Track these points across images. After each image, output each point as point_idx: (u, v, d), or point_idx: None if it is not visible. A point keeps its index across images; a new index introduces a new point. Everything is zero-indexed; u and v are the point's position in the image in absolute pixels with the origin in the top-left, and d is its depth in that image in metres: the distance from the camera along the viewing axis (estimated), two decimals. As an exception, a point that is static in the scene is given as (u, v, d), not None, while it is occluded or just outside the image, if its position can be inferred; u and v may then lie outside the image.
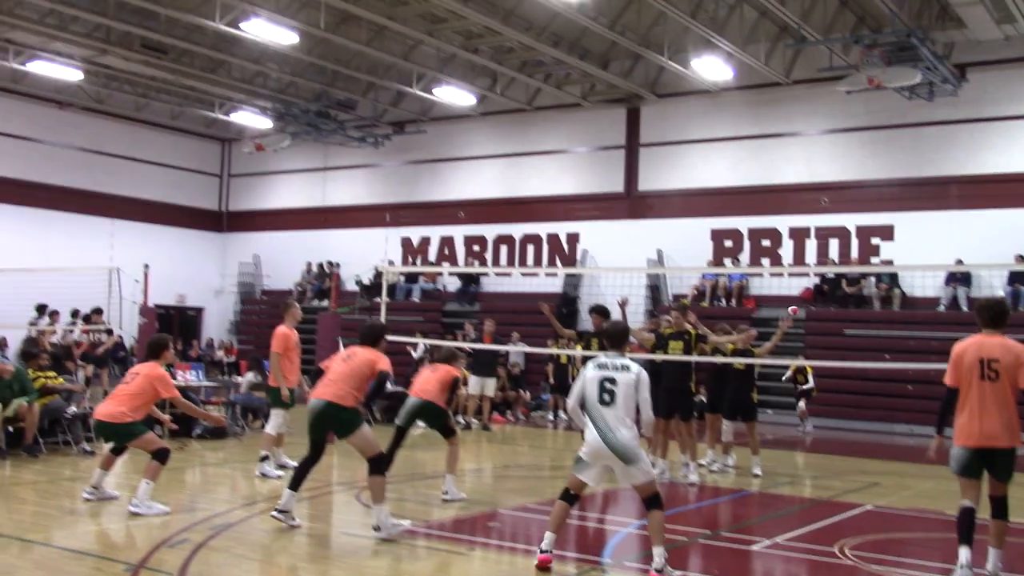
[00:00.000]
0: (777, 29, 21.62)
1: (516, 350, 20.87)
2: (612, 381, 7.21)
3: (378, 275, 24.84)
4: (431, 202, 29.10)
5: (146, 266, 18.78)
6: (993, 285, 21.07)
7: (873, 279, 22.24)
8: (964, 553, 7.06)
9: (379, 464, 8.42)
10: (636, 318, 23.61)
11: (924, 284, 21.74)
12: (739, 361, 13.00)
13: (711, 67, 21.84)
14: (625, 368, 7.27)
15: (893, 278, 22.00)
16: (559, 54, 22.54)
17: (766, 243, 24.09)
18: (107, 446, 9.97)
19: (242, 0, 19.99)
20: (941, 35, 20.65)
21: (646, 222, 25.52)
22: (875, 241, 22.76)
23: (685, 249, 24.34)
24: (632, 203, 26.10)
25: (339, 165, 30.82)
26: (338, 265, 28.16)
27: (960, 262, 19.92)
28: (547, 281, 26.23)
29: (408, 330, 21.55)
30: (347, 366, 8.52)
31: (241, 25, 20.63)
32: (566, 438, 16.99)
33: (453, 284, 27.83)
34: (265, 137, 28.85)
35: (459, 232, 28.48)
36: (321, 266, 29.85)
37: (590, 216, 26.42)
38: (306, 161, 31.31)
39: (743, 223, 24.30)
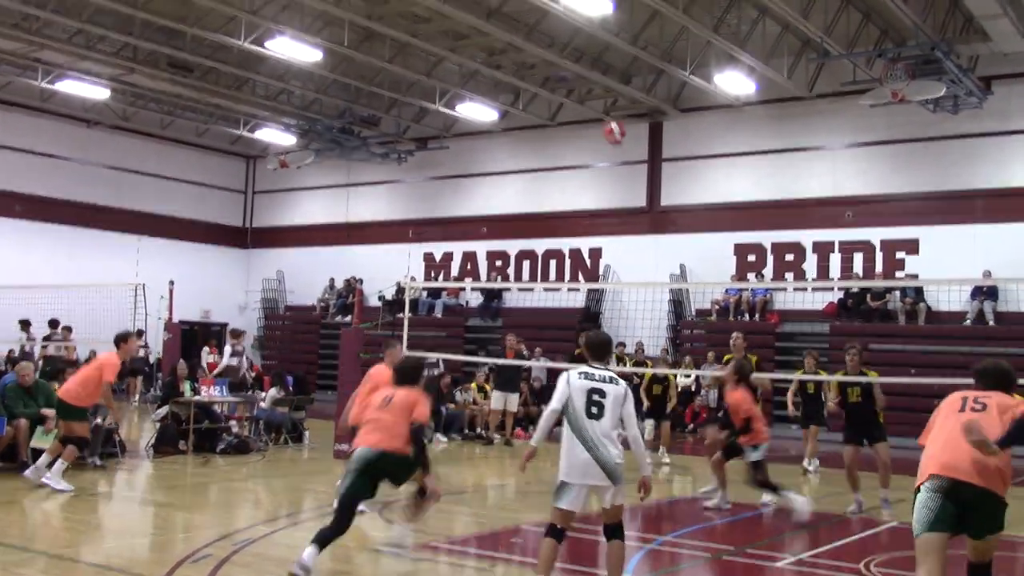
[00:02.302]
0: (800, 43, 21.56)
1: (539, 365, 20.88)
2: (600, 393, 6.64)
3: (400, 291, 24.89)
4: (453, 217, 29.17)
5: (171, 282, 18.92)
6: (1020, 299, 20.86)
7: (898, 293, 22.08)
8: None
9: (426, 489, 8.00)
10: (659, 333, 23.70)
11: (950, 298, 21.53)
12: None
13: (733, 81, 21.81)
14: (613, 380, 6.76)
15: (918, 292, 21.83)
16: (581, 70, 22.58)
17: (789, 257, 23.97)
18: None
19: (267, 19, 20.18)
20: (965, 48, 20.53)
21: (669, 237, 25.46)
22: (900, 255, 22.59)
23: (708, 264, 24.27)
24: (654, 218, 26.06)
25: (362, 181, 30.98)
26: (361, 281, 28.26)
27: (989, 274, 19.72)
28: (569, 296, 26.21)
29: (431, 346, 21.58)
30: (390, 413, 7.70)
31: (266, 43, 20.83)
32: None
33: (476, 299, 27.86)
34: (289, 154, 29.06)
35: (481, 247, 28.52)
36: (347, 282, 29.96)
37: (612, 231, 26.39)
38: (330, 177, 31.50)
39: (766, 237, 24.19)
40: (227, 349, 20.96)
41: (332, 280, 30.55)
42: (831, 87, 22.61)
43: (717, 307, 24.10)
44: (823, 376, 15.30)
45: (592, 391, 6.62)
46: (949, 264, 21.12)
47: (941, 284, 21.14)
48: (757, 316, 23.58)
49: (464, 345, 25.51)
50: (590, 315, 25.33)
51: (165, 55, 23.17)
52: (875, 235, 22.87)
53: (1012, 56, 20.62)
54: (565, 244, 27.14)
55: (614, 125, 10.87)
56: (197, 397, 15.16)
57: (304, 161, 28.70)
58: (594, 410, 6.59)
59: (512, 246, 27.99)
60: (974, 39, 20.17)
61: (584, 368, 6.81)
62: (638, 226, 26.11)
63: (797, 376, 16.13)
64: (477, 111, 25.62)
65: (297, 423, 16.88)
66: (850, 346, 11.92)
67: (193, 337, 29.60)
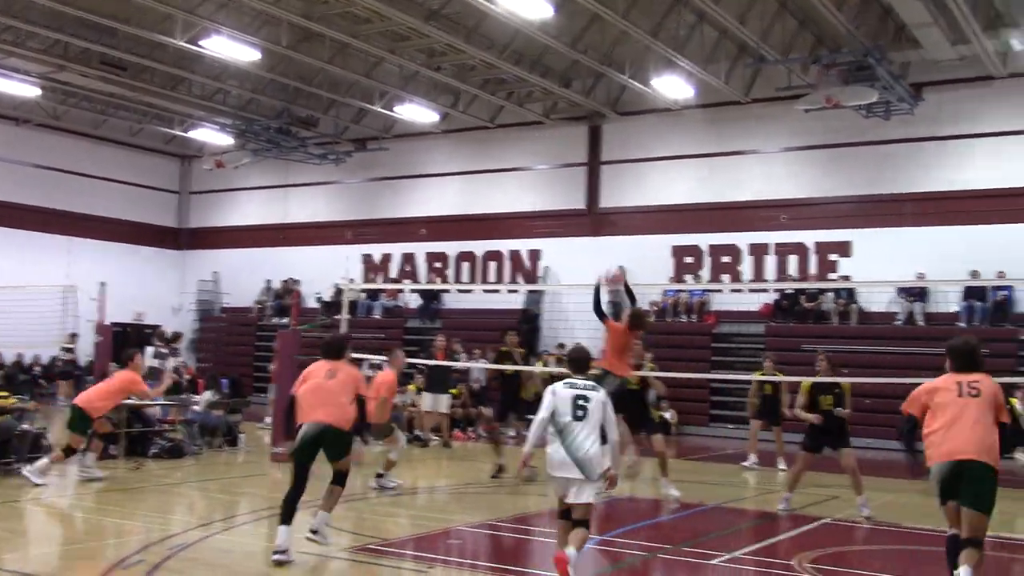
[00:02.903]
0: (737, 48, 21.86)
1: (468, 366, 20.81)
2: (585, 399, 7.51)
3: (339, 292, 24.71)
4: (393, 219, 29.05)
5: (102, 284, 18.55)
6: (948, 300, 21.37)
7: (831, 294, 22.49)
8: None
9: (345, 476, 8.41)
10: (598, 335, 23.81)
11: (881, 299, 22.04)
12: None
13: (672, 86, 22.03)
14: (593, 388, 7.60)
15: (850, 293, 22.27)
16: (521, 72, 22.64)
17: (726, 259, 24.30)
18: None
19: (203, 17, 19.90)
20: (898, 55, 20.98)
21: (608, 239, 25.63)
22: (833, 257, 23.03)
23: (646, 265, 24.42)
24: (594, 220, 26.22)
25: (300, 182, 30.70)
26: (298, 282, 28.00)
27: (922, 276, 20.15)
28: (509, 298, 26.24)
29: (373, 348, 21.44)
30: (336, 383, 8.31)
31: (202, 42, 20.54)
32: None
33: (415, 301, 27.77)
34: (225, 154, 28.68)
35: (421, 249, 28.45)
36: (284, 283, 29.64)
37: (552, 233, 26.51)
38: (267, 178, 31.17)
39: (703, 239, 24.49)
40: (148, 350, 20.49)
41: (269, 282, 30.23)
42: (767, 92, 22.96)
43: (655, 308, 24.31)
44: (781, 377, 15.60)
45: (577, 397, 7.51)
46: (880, 266, 21.59)
47: (872, 285, 21.61)
48: (694, 317, 23.85)
49: (403, 347, 25.34)
50: (529, 316, 25.39)
51: (98, 52, 22.69)
52: (809, 238, 23.27)
53: (943, 64, 21.13)
54: (505, 246, 27.18)
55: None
56: (128, 400, 14.85)
57: (240, 161, 28.35)
58: (579, 413, 7.46)
59: (451, 247, 27.96)
60: (906, 46, 20.62)
61: (570, 380, 7.69)
62: (577, 228, 26.26)
63: (756, 377, 16.49)
64: (417, 112, 25.55)
65: (232, 426, 16.66)
66: (820, 354, 11.94)
67: (126, 339, 29.05)
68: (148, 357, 20.25)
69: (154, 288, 31.02)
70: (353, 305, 26.05)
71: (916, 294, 21.45)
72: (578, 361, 7.86)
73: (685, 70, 21.37)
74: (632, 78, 22.19)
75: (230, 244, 31.90)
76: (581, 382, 7.63)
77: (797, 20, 20.77)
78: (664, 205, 25.09)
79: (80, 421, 11.95)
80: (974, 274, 20.12)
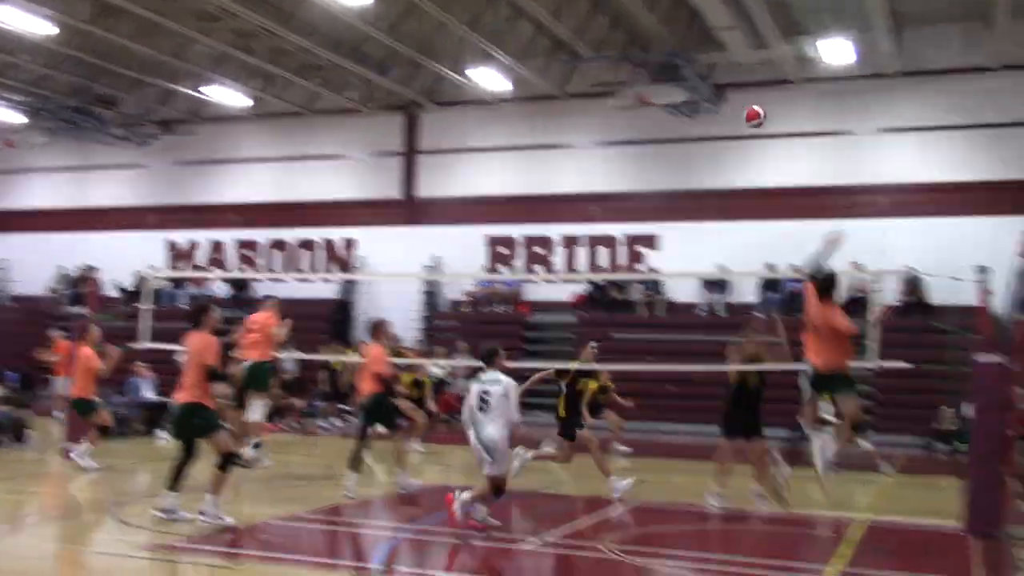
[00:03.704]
0: (552, 44, 22.25)
1: (282, 357, 20.32)
2: (487, 393, 9.03)
3: (141, 280, 23.64)
4: (201, 205, 28.05)
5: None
6: (745, 292, 22.52)
7: (639, 285, 23.31)
8: None
9: (229, 461, 9.03)
10: (412, 324, 23.83)
11: (685, 290, 23.03)
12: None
13: (489, 78, 22.22)
14: (496, 382, 9.06)
15: (657, 285, 23.15)
16: (337, 58, 22.28)
17: (540, 250, 24.77)
18: None
19: (-9, -17, 18.60)
20: (704, 57, 21.91)
21: (423, 228, 25.64)
22: (641, 249, 23.89)
23: (461, 255, 24.65)
24: (409, 209, 26.16)
25: (101, 164, 29.14)
26: (97, 270, 26.60)
27: (723, 268, 21.13)
28: (323, 287, 25.83)
29: (176, 337, 20.61)
30: (188, 363, 9.06)
31: (-9, 12, 19.18)
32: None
33: (224, 290, 26.91)
34: (17, 133, 26.91)
35: (230, 236, 27.62)
36: (82, 270, 28.07)
37: (367, 222, 26.27)
38: (64, 159, 29.42)
39: (518, 230, 24.88)
40: None
41: (64, 268, 28.59)
42: (582, 88, 23.53)
43: (470, 298, 24.53)
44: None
45: (482, 392, 9.06)
46: (685, 259, 22.55)
47: (677, 277, 22.53)
48: (509, 307, 24.19)
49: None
50: (343, 306, 25.08)
51: None
52: (619, 230, 24.03)
53: (745, 66, 22.21)
54: (318, 233, 26.75)
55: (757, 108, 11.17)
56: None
57: (34, 141, 26.68)
58: (483, 405, 9.02)
59: (263, 235, 27.29)
60: (711, 49, 21.55)
61: (480, 376, 9.21)
62: (393, 217, 26.13)
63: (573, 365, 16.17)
64: (227, 95, 24.74)
65: (20, 422, 15.65)
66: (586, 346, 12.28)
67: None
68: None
69: (-65, 274, 28.81)
70: (157, 293, 25.00)
71: (717, 285, 22.50)
72: (483, 356, 9.31)
73: (502, 63, 21.59)
74: (449, 69, 22.24)
75: (22, 228, 29.90)
76: (487, 377, 9.12)
77: (610, 18, 21.33)
78: (480, 196, 25.32)
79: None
80: (770, 267, 21.28)
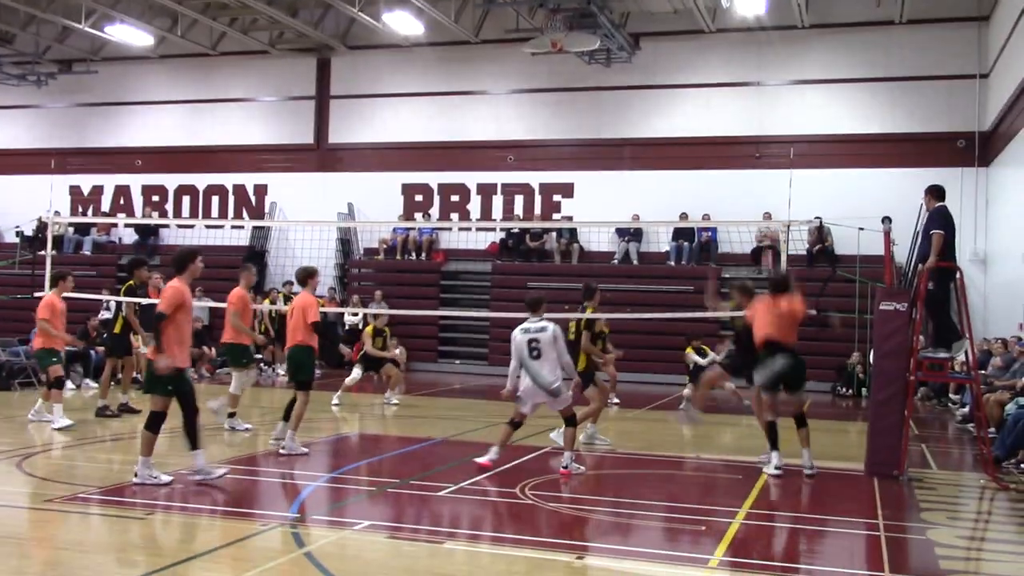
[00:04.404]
0: (467, -13, 21.98)
1: (199, 305, 19.95)
2: (537, 341, 9.49)
3: (42, 226, 22.87)
4: (104, 148, 27.19)
5: None
6: (660, 241, 22.82)
7: (555, 234, 23.40)
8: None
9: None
10: (327, 272, 23.57)
11: (600, 239, 23.21)
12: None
13: (402, 21, 21.89)
14: (543, 329, 9.53)
15: (572, 233, 23.26)
16: (245, -3, 21.67)
17: (455, 198, 24.67)
18: None
19: None
20: (618, 5, 21.90)
21: (337, 175, 25.31)
22: (557, 198, 23.97)
23: (376, 203, 24.43)
24: (322, 155, 25.76)
25: (-5, 104, 27.98)
26: (-5, 215, 25.69)
27: (637, 217, 21.36)
28: (233, 234, 25.38)
29: (79, 284, 20.05)
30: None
31: None
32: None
33: (130, 236, 26.22)
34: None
35: (136, 181, 26.89)
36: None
37: (279, 168, 25.80)
38: (-45, 98, 28.15)
39: (433, 178, 24.72)
40: None
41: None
42: (496, 34, 23.35)
43: (385, 246, 24.34)
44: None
45: (531, 340, 9.51)
46: (600, 207, 22.71)
47: (592, 226, 22.69)
48: (424, 255, 24.08)
49: (115, 285, 23.92)
50: (255, 253, 24.65)
51: None
52: (535, 179, 24.06)
53: (659, 15, 22.28)
54: (228, 180, 26.19)
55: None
56: None
57: (-78, 78, 25.41)
58: (534, 352, 9.49)
59: (170, 180, 26.62)
60: (626, -4, 21.55)
61: (525, 324, 9.62)
62: (306, 163, 25.72)
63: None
64: (129, 34, 23.89)
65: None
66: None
67: None
68: None
69: None
70: (59, 240, 24.25)
71: (632, 234, 22.73)
72: (530, 303, 9.77)
73: (415, 6, 21.29)
74: (362, 11, 21.83)
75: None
76: (533, 325, 9.57)
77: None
78: (394, 143, 25.05)
79: None
80: (683, 216, 21.61)
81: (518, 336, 9.59)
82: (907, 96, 21.91)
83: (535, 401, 9.63)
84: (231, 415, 12.22)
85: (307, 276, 11.23)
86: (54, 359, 12.42)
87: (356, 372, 15.46)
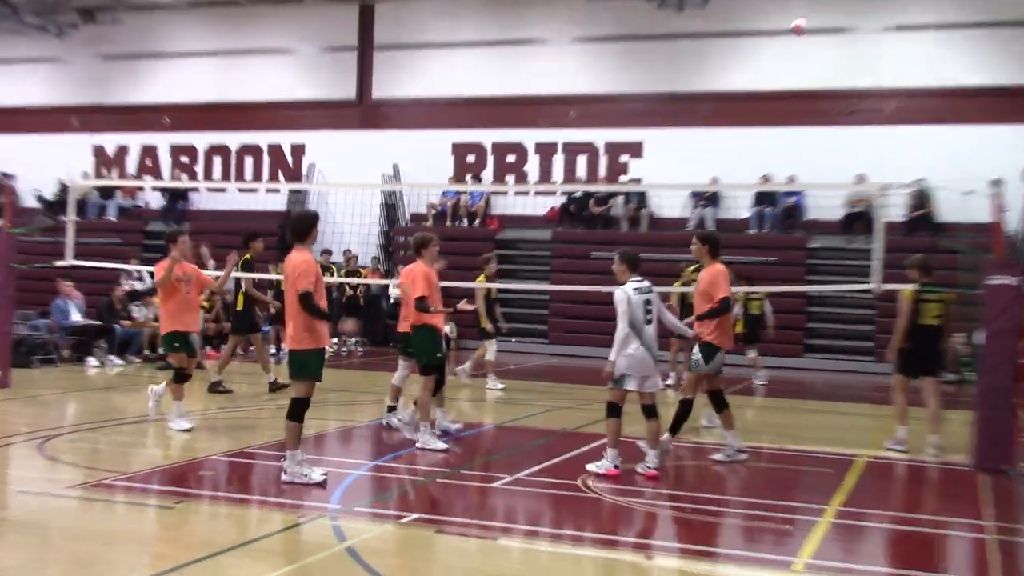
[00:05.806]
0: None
1: (220, 275, 20.20)
2: (649, 303, 9.03)
3: (64, 189, 23.27)
4: (130, 105, 27.54)
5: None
6: (739, 206, 22.51)
7: (622, 199, 23.20)
8: None
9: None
10: (370, 240, 23.70)
11: (672, 204, 22.92)
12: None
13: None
14: (650, 289, 9.14)
15: (641, 197, 23.03)
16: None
17: (511, 159, 24.59)
18: None
19: None
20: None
21: (381, 133, 25.35)
22: (624, 158, 23.76)
23: (424, 164, 24.43)
24: (365, 111, 25.82)
25: (12, 57, 28.42)
26: (12, 177, 26.15)
27: (716, 180, 20.95)
28: (268, 198, 25.57)
29: (104, 253, 20.42)
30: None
31: None
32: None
33: (157, 201, 26.59)
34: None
35: (164, 140, 27.22)
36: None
37: (318, 125, 25.91)
38: (-30, 51, 28.71)
39: (487, 136, 24.65)
40: None
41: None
42: (557, -26, 23.13)
43: (434, 211, 24.37)
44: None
45: (646, 302, 8.99)
46: (672, 169, 22.43)
47: (663, 189, 22.43)
48: (477, 222, 24.06)
49: (143, 253, 24.32)
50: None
51: None
52: (599, 136, 23.87)
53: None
54: (263, 138, 26.39)
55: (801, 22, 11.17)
56: None
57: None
58: (649, 317, 8.99)
59: (201, 139, 26.89)
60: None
61: (639, 284, 9.03)
62: (347, 120, 25.80)
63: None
64: (157, -21, 24.11)
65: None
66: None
67: None
68: None
69: None
70: (82, 204, 24.67)
71: (708, 199, 22.45)
72: (634, 261, 9.14)
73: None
74: (409, -49, 21.76)
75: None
76: (644, 284, 9.07)
77: None
78: (444, 97, 25.01)
79: None
80: (765, 178, 21.26)
81: (633, 296, 8.91)
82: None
83: (643, 374, 8.98)
84: (391, 408, 11.39)
85: (420, 245, 10.38)
86: (175, 344, 11.21)
87: (492, 346, 15.56)
